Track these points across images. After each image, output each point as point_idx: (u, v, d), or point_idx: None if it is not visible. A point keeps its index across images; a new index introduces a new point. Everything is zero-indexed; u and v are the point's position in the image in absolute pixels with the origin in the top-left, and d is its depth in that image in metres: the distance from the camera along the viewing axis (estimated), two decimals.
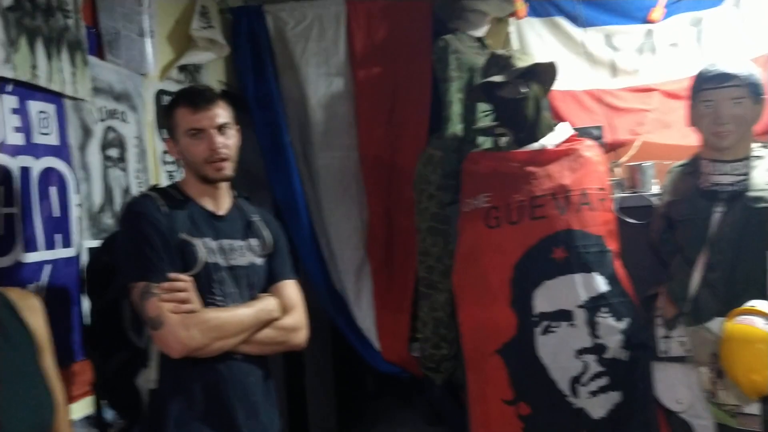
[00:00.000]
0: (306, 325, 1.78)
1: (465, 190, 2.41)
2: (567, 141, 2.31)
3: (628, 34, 3.02)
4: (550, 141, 2.29)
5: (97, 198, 2.04)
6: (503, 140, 2.47)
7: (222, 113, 1.68)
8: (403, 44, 3.07)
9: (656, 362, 2.17)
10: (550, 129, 2.34)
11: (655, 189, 2.49)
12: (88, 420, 1.89)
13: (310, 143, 3.16)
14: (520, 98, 2.27)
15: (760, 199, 2.05)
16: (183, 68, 2.66)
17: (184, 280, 1.58)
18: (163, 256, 1.57)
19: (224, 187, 1.76)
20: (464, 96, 2.72)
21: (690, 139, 2.85)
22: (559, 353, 2.14)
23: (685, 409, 2.11)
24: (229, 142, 1.68)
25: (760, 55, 2.79)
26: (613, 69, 3.02)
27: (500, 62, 2.32)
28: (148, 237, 1.57)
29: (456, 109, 2.83)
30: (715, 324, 2.12)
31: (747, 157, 2.06)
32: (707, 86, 2.02)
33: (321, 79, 3.14)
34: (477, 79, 2.67)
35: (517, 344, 2.19)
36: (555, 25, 3.07)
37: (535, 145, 2.29)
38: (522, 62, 2.31)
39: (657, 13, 2.97)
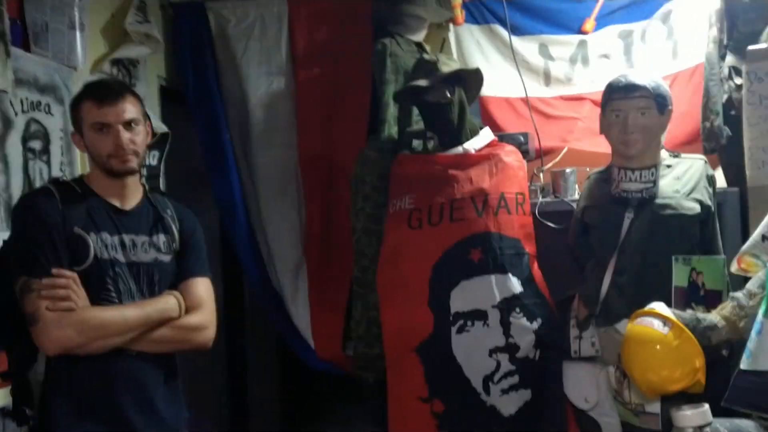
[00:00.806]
0: (212, 324, 1.77)
1: (392, 192, 2.47)
2: (488, 146, 2.37)
3: (562, 44, 3.10)
4: (472, 145, 2.35)
5: (17, 190, 2.03)
6: (431, 144, 2.53)
7: (130, 108, 1.67)
8: (344, 45, 3.10)
9: (567, 362, 2.24)
10: (474, 134, 2.40)
11: (576, 195, 2.56)
12: (2, 411, 1.89)
13: (250, 141, 3.17)
14: (445, 103, 2.33)
15: (666, 206, 2.14)
16: (118, 62, 2.66)
17: (66, 277, 1.56)
18: (46, 251, 1.56)
19: (132, 181, 1.75)
20: (395, 99, 2.77)
21: None
22: (473, 352, 2.21)
23: (592, 407, 2.19)
24: (136, 138, 1.67)
25: (686, 68, 2.90)
26: (547, 77, 3.10)
27: (426, 67, 2.38)
28: (32, 231, 1.57)
29: (392, 111, 2.86)
30: (623, 325, 2.20)
31: (654, 166, 2.14)
32: (616, 96, 2.11)
33: (262, 77, 3.15)
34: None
35: (434, 343, 2.25)
36: (492, 33, 3.14)
37: (459, 149, 2.35)
38: (448, 68, 2.37)
39: (589, 24, 3.05)
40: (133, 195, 1.76)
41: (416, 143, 2.84)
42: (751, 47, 2.20)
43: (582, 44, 3.09)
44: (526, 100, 3.04)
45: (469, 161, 2.32)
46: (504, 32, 3.13)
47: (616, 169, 2.18)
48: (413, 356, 2.27)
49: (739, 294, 2.01)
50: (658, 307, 1.98)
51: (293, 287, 3.14)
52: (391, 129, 2.86)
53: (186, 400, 1.87)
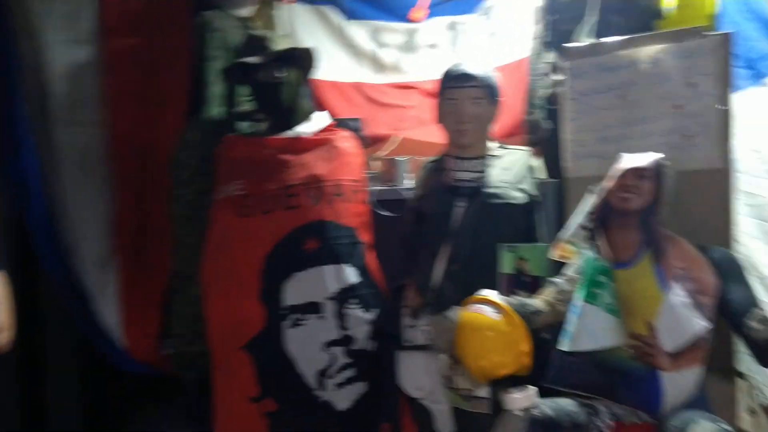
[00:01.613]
0: (9, 325, 1.53)
1: (219, 177, 2.28)
2: (324, 131, 2.27)
3: (393, 31, 3.08)
4: (306, 129, 2.24)
5: None
6: (261, 126, 2.37)
7: None
8: (162, 16, 2.81)
9: (401, 351, 2.22)
10: (308, 117, 2.29)
11: (409, 183, 2.56)
12: None
13: (50, 117, 2.78)
14: (276, 83, 2.19)
15: (495, 195, 2.19)
16: None
17: None
18: None
19: None
20: (223, 77, 2.57)
21: None
22: (307, 346, 2.11)
23: (425, 395, 2.19)
24: None
25: (509, 62, 3.01)
26: (378, 64, 3.07)
27: (257, 44, 2.22)
28: None
29: (216, 90, 2.66)
30: (454, 313, 2.23)
31: (484, 156, 2.18)
32: (451, 85, 2.11)
33: (65, 46, 2.76)
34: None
35: (265, 339, 2.11)
36: (322, 15, 3.05)
37: (291, 133, 2.22)
38: (280, 46, 2.23)
39: (419, 13, 3.07)
40: None
41: (245, 125, 2.68)
42: (569, 45, 2.31)
43: (412, 33, 3.10)
44: (356, 86, 2.99)
45: (302, 146, 2.20)
46: (335, 15, 3.06)
47: (449, 158, 2.19)
48: (243, 354, 2.12)
49: (557, 279, 2.11)
50: (489, 294, 2.02)
51: (101, 282, 2.81)
52: (215, 109, 2.66)
53: None
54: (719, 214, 2.00)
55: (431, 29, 3.10)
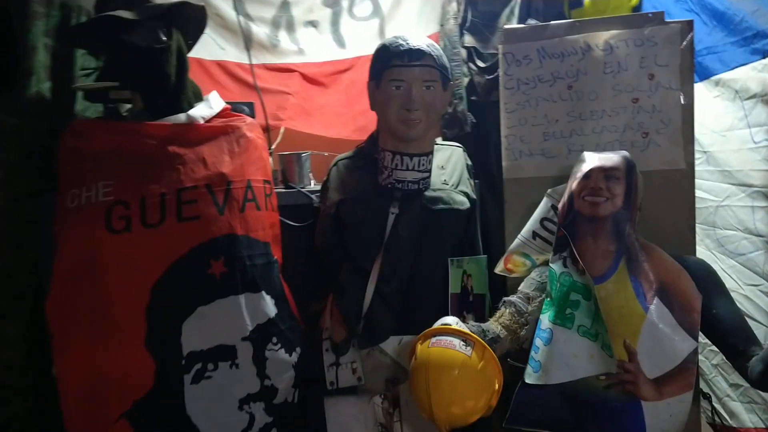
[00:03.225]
0: None
1: (68, 176, 1.63)
2: (221, 116, 1.72)
3: (261, 2, 2.56)
4: (200, 113, 1.67)
5: None
6: (126, 108, 1.75)
7: None
8: None
9: (327, 398, 1.76)
10: (198, 98, 1.72)
11: (313, 185, 2.09)
12: None
13: None
14: (159, 48, 1.60)
15: (437, 199, 1.82)
16: None
17: None
18: None
19: None
20: (59, 40, 1.90)
21: (333, 130, 2.57)
22: (216, 407, 1.55)
23: None
24: None
25: None
26: (248, 41, 2.53)
27: None
28: None
29: (42, 59, 1.96)
30: (390, 344, 1.82)
31: (431, 152, 1.80)
32: (396, 63, 1.68)
33: None
34: (80, 18, 1.88)
35: (156, 401, 1.52)
36: None
37: (181, 117, 1.64)
38: None
39: None
40: None
41: (83, 107, 2.01)
42: (507, 26, 2.02)
43: (285, 6, 2.60)
44: (222, 64, 2.44)
45: (198, 134, 1.63)
46: None
47: (388, 154, 1.77)
48: (123, 424, 1.49)
49: (514, 298, 1.81)
50: (453, 322, 1.64)
51: None
52: (42, 84, 1.97)
53: None
54: (680, 220, 1.84)
55: (307, 4, 2.63)
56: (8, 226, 1.87)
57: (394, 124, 1.71)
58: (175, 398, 1.52)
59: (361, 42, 2.66)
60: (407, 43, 1.69)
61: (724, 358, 1.90)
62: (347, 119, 2.61)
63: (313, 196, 1.98)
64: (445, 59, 1.75)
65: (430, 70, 1.69)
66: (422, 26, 2.70)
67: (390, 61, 1.69)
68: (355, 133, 2.58)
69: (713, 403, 1.89)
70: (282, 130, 2.37)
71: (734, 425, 1.89)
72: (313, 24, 2.64)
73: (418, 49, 1.68)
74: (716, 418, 1.85)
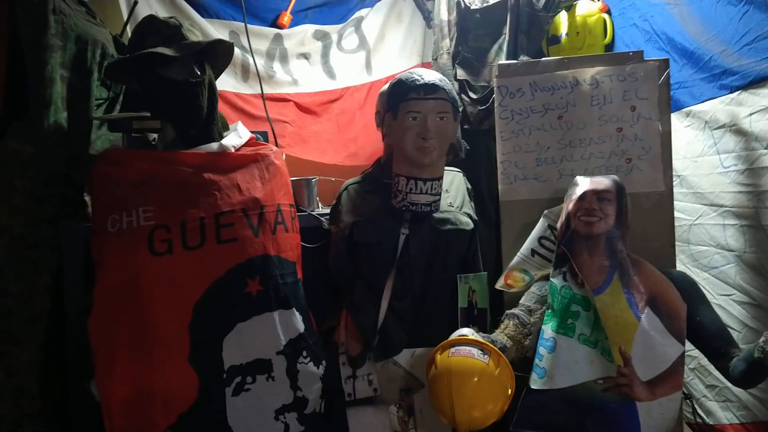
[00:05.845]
0: None
1: (105, 202, 1.70)
2: (248, 144, 1.84)
3: (256, 35, 2.69)
4: (231, 142, 1.78)
5: None
6: (154, 137, 1.84)
7: None
8: None
9: (350, 408, 1.87)
10: (225, 128, 1.83)
11: (321, 208, 2.21)
12: None
13: None
14: (194, 82, 1.71)
15: (445, 221, 1.97)
16: None
17: None
18: None
19: None
20: (104, 73, 1.98)
21: (328, 156, 2.71)
22: (255, 417, 1.65)
23: None
24: None
25: (380, 78, 2.83)
26: (246, 72, 2.65)
27: (165, 31, 1.71)
28: None
29: (59, 89, 2.03)
30: (404, 356, 1.95)
31: (442, 177, 1.96)
32: (413, 96, 1.84)
33: None
34: (108, 51, 1.97)
35: (200, 413, 1.60)
36: (176, 8, 2.56)
37: (213, 146, 1.75)
38: (194, 36, 1.75)
39: (285, 18, 2.73)
40: None
41: (96, 136, 2.09)
42: (501, 62, 2.21)
43: (278, 39, 2.75)
44: (221, 94, 2.54)
45: (231, 162, 1.74)
46: (189, 9, 2.60)
47: (402, 179, 1.91)
48: None
49: (516, 311, 1.96)
50: (469, 332, 1.79)
51: None
52: (60, 114, 2.04)
53: None
54: (662, 237, 2.04)
55: (299, 37, 2.78)
56: (26, 252, 1.92)
57: (411, 152, 1.86)
58: (218, 410, 1.61)
59: (350, 73, 2.83)
60: (422, 78, 1.85)
61: (700, 362, 2.12)
62: (339, 146, 2.75)
63: (323, 219, 2.10)
64: (454, 93, 1.92)
65: (443, 102, 1.85)
66: (405, 59, 2.90)
67: (407, 95, 1.85)
68: (348, 159, 2.74)
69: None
70: (283, 156, 2.49)
71: (711, 423, 2.08)
72: (305, 56, 2.79)
73: (433, 83, 1.84)
74: (696, 418, 2.05)
